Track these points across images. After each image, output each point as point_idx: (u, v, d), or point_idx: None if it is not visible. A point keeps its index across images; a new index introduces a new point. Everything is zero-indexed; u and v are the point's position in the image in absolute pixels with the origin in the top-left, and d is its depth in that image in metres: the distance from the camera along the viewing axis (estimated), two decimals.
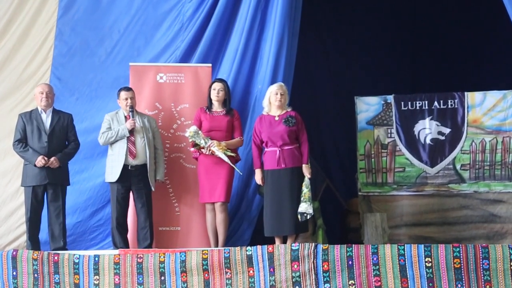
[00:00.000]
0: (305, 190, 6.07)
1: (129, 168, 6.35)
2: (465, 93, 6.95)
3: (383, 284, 5.27)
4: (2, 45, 7.42)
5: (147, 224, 6.37)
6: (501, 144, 6.84)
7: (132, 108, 6.44)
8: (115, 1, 7.36)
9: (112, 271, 5.83)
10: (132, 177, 6.37)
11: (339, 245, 5.41)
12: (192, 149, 6.48)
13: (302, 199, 6.05)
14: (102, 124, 6.50)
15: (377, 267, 5.28)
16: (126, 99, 6.45)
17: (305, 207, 6.02)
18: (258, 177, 6.27)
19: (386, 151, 7.01)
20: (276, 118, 6.24)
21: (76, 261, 5.92)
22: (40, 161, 6.30)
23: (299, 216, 6.02)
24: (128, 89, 6.52)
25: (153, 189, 6.42)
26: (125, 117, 6.48)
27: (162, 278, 5.73)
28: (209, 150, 6.34)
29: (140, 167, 6.38)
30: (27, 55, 7.39)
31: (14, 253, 6.06)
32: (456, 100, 6.95)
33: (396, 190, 6.97)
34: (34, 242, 6.40)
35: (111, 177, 6.38)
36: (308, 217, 6.04)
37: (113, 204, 6.42)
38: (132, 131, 6.38)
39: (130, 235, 6.51)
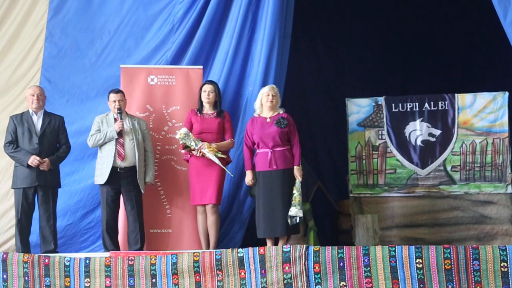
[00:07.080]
0: (296, 194, 6.07)
1: (118, 170, 6.34)
2: (456, 94, 6.98)
3: (374, 285, 5.27)
4: None
5: (136, 226, 6.33)
6: (491, 146, 6.87)
7: (120, 110, 6.41)
8: (105, 2, 7.33)
9: (103, 273, 5.81)
10: (122, 179, 6.35)
11: (330, 247, 5.42)
12: (183, 151, 6.48)
13: (292, 202, 6.05)
14: (92, 126, 6.47)
15: (368, 268, 5.29)
16: (115, 101, 6.42)
17: (295, 211, 6.02)
18: (248, 178, 6.27)
19: (377, 152, 7.03)
20: (268, 120, 6.25)
21: (67, 263, 5.90)
22: (33, 160, 6.27)
23: (288, 220, 6.02)
24: (117, 91, 6.49)
25: (142, 191, 6.40)
26: (115, 119, 6.46)
27: (154, 280, 5.71)
28: (200, 152, 6.33)
29: (129, 169, 6.36)
30: (17, 56, 7.35)
31: (4, 256, 6.02)
32: (446, 102, 6.98)
33: (387, 191, 6.99)
34: (24, 245, 6.36)
35: (100, 179, 6.36)
36: (298, 220, 6.05)
37: (103, 207, 6.40)
38: (120, 133, 6.37)
39: (121, 238, 6.48)
